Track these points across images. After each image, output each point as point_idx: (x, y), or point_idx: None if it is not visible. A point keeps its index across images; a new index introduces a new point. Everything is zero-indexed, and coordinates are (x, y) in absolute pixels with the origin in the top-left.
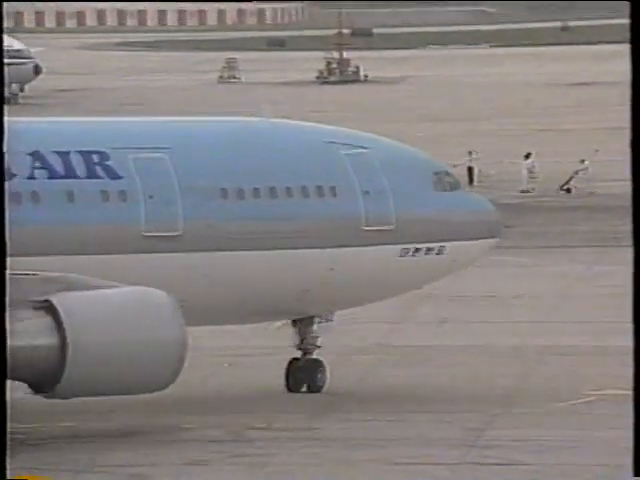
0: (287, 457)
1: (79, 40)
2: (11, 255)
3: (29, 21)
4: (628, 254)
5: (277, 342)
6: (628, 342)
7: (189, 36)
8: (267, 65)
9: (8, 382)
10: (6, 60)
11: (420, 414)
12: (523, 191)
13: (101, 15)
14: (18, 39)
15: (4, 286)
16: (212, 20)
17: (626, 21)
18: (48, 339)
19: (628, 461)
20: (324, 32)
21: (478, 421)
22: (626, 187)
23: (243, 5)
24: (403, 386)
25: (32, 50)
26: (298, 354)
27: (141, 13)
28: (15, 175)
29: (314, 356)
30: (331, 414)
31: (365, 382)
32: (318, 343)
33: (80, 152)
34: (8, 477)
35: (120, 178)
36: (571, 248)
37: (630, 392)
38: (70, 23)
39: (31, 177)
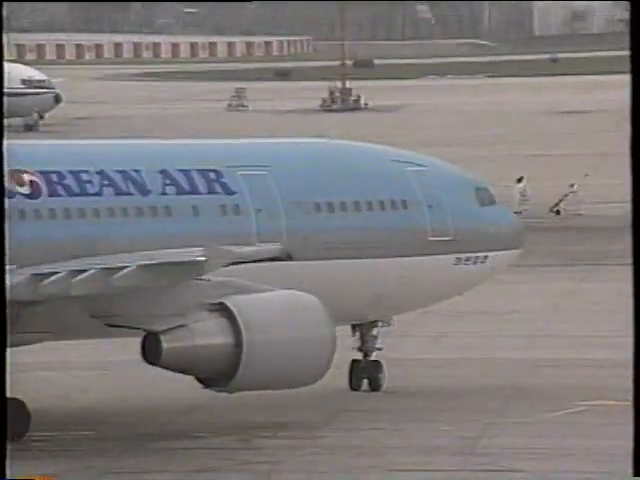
0: (292, 464)
1: (97, 71)
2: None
3: (50, 53)
4: (615, 272)
5: None
6: (616, 355)
7: (200, 67)
8: (274, 94)
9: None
10: (29, 90)
11: (418, 423)
12: (516, 212)
13: (118, 48)
14: (40, 70)
15: (4, 286)
16: (222, 52)
17: (611, 54)
18: (224, 338)
19: (619, 467)
20: (328, 63)
21: (474, 430)
22: (612, 209)
23: (251, 38)
24: (401, 397)
25: (53, 80)
26: (355, 355)
27: (156, 46)
28: (150, 191)
29: (373, 358)
30: (333, 424)
31: (364, 393)
32: (378, 346)
33: (199, 170)
34: (8, 477)
35: (234, 194)
36: (561, 266)
37: (619, 403)
38: (89, 55)
39: (163, 193)
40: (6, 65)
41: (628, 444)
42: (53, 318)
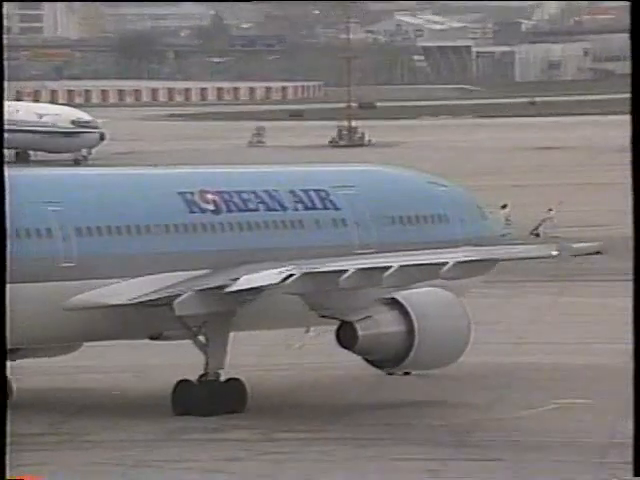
0: (306, 454)
1: (136, 112)
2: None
3: (96, 97)
4: (588, 287)
5: (296, 359)
6: (587, 360)
7: (225, 109)
8: (289, 132)
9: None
10: (77, 130)
11: (414, 419)
12: (501, 236)
13: (154, 92)
14: (87, 112)
15: (4, 285)
16: (244, 96)
17: (582, 98)
18: (400, 327)
19: (586, 457)
20: (336, 105)
21: (464, 425)
22: (586, 232)
23: (270, 84)
24: (400, 396)
25: (98, 121)
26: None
27: (187, 91)
28: (287, 208)
29: None
30: (341, 419)
31: (367, 394)
32: None
33: (315, 190)
34: (8, 477)
35: (340, 209)
36: (540, 282)
37: (587, 401)
38: (129, 99)
39: (295, 209)
40: (58, 108)
41: (592, 436)
42: (284, 309)
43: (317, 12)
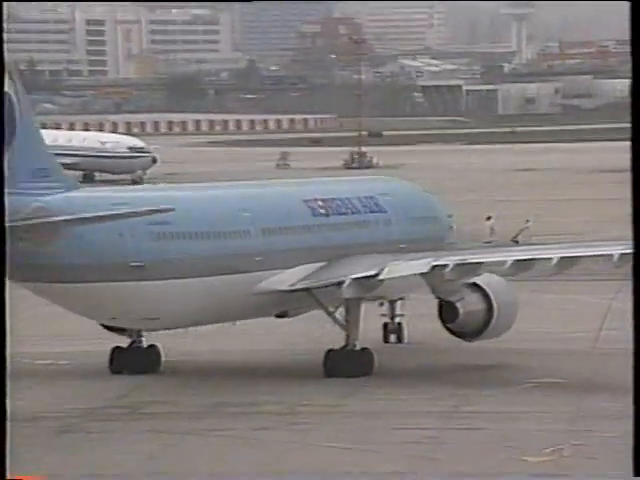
0: (324, 425)
1: (182, 140)
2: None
3: (149, 128)
4: (563, 285)
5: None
6: (563, 347)
7: (256, 137)
8: (309, 156)
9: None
10: (133, 154)
11: (413, 394)
12: (486, 242)
13: (198, 123)
14: (142, 140)
15: (4, 286)
16: (272, 126)
17: (553, 128)
18: (482, 305)
19: (561, 426)
20: (349, 134)
21: (455, 399)
22: (557, 239)
23: (293, 116)
24: (399, 375)
25: (151, 147)
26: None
27: (225, 122)
28: (360, 211)
29: (398, 320)
30: (353, 396)
31: (371, 374)
32: (400, 312)
33: (369, 197)
34: (8, 477)
35: (386, 212)
36: (520, 281)
37: (561, 380)
38: (177, 129)
39: (364, 212)
40: (118, 136)
41: (565, 408)
42: (408, 288)
43: (334, 56)
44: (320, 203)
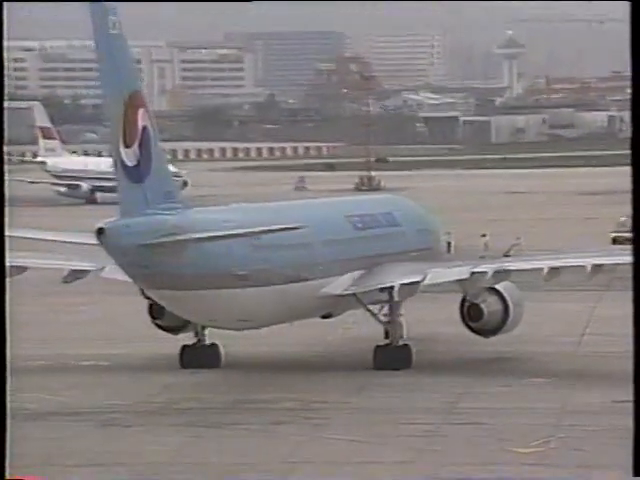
0: (335, 419)
1: (210, 166)
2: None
3: (180, 155)
4: (548, 295)
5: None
6: (545, 349)
7: (276, 163)
8: (324, 180)
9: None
10: None
11: (413, 392)
12: (481, 257)
13: (223, 151)
14: (173, 165)
15: (4, 286)
16: (290, 153)
17: (540, 155)
18: (499, 306)
19: (550, 421)
20: (359, 160)
21: (453, 397)
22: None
23: (309, 144)
24: (401, 375)
25: (182, 172)
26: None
27: (247, 149)
28: (383, 225)
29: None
30: (359, 394)
31: (374, 373)
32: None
33: (386, 213)
34: (7, 477)
35: (400, 225)
36: None
37: (546, 380)
38: (205, 156)
39: (386, 226)
40: None
41: (551, 404)
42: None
43: (345, 91)
44: (357, 218)
